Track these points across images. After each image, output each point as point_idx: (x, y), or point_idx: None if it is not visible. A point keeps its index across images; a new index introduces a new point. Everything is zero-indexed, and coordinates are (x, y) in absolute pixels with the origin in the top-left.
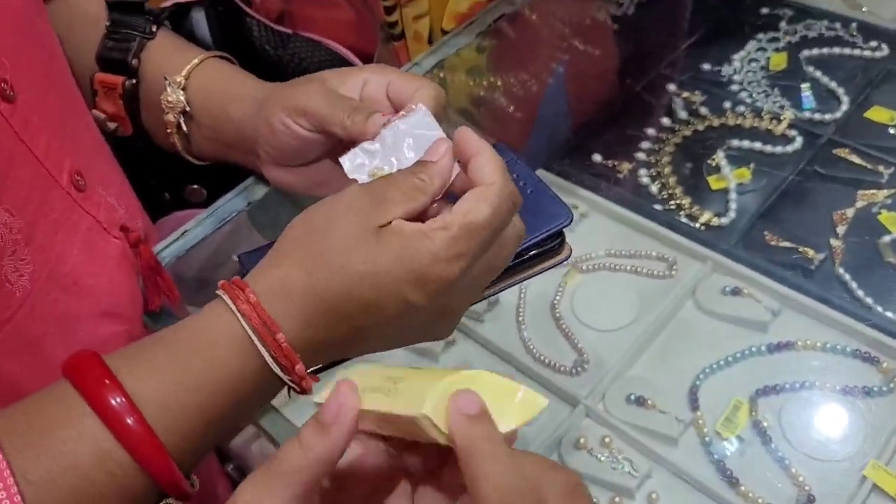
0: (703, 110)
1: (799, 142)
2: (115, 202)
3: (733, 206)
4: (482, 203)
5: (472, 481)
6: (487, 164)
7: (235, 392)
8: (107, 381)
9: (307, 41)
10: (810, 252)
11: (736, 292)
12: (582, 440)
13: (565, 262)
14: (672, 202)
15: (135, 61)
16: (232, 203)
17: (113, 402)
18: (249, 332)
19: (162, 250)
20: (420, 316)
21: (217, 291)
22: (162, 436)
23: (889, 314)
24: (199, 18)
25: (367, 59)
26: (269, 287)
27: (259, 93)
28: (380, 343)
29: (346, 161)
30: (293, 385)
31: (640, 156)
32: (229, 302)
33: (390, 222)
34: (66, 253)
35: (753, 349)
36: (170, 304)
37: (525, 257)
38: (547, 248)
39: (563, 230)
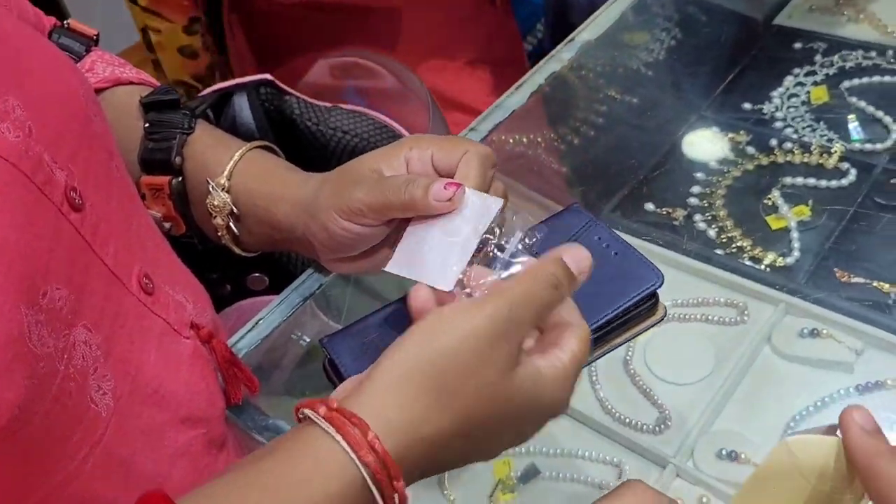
0: (750, 150)
1: (853, 174)
2: (183, 299)
3: (796, 244)
4: (584, 344)
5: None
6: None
7: None
8: None
9: (349, 112)
10: (885, 286)
11: (815, 334)
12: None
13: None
14: (733, 245)
15: (178, 159)
16: (303, 288)
17: None
18: (371, 485)
19: (236, 342)
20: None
21: (323, 426)
22: None
23: None
24: (242, 103)
25: (413, 125)
26: (398, 431)
27: (303, 192)
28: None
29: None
30: None
31: (693, 201)
32: (348, 449)
33: (521, 363)
34: (144, 362)
35: (842, 391)
36: (250, 395)
37: (617, 322)
38: (640, 310)
39: (657, 291)
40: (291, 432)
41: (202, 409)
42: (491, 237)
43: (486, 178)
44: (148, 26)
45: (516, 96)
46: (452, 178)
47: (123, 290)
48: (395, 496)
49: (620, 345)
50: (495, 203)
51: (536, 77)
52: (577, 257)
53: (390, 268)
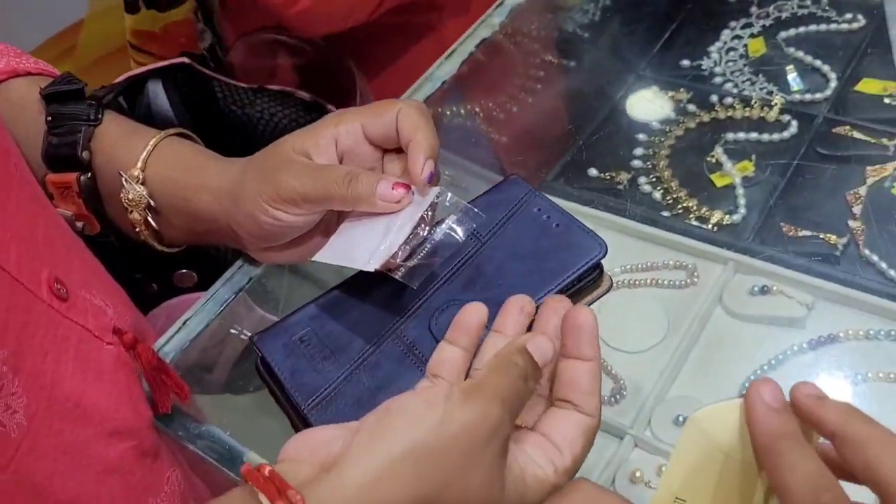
0: (691, 107)
1: (795, 126)
2: (102, 303)
3: (742, 201)
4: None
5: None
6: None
7: None
8: None
9: (275, 93)
10: (832, 237)
11: (765, 291)
12: (637, 473)
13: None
14: (679, 206)
15: (85, 154)
16: (232, 282)
17: None
18: None
19: (163, 346)
20: None
21: None
22: None
23: None
24: (157, 90)
25: (341, 98)
26: None
27: (224, 179)
28: None
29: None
30: None
31: (637, 163)
32: None
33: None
34: (60, 374)
35: (795, 348)
36: (180, 402)
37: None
38: (585, 282)
39: (601, 262)
40: None
41: (129, 420)
42: (424, 220)
43: (434, 135)
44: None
45: (447, 66)
46: (388, 143)
47: (32, 297)
48: None
49: None
50: (432, 191)
51: (467, 44)
52: (541, 349)
53: (319, 257)
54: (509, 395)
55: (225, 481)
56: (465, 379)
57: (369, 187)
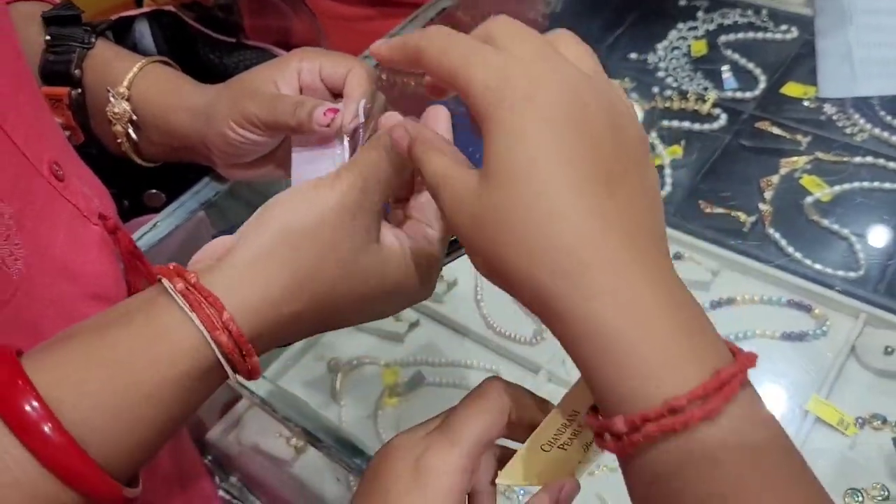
0: (634, 95)
1: (724, 119)
2: (90, 193)
3: (669, 180)
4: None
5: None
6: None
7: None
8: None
9: (253, 49)
10: (742, 216)
11: (678, 257)
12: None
13: None
14: None
15: (77, 72)
16: (198, 196)
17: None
18: (224, 363)
19: (136, 241)
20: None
21: (179, 302)
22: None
23: (817, 266)
24: (143, 30)
25: None
26: (253, 312)
27: (198, 101)
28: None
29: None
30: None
31: None
32: (203, 330)
33: (382, 240)
34: (52, 239)
35: None
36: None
37: None
38: None
39: None
40: (146, 301)
41: (111, 288)
42: (360, 128)
43: (371, 91)
44: None
45: (407, 30)
46: (335, 89)
47: (35, 172)
48: (249, 373)
49: None
50: (362, 104)
51: (428, 12)
52: (410, 129)
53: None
54: (375, 167)
55: None
56: None
57: (308, 114)
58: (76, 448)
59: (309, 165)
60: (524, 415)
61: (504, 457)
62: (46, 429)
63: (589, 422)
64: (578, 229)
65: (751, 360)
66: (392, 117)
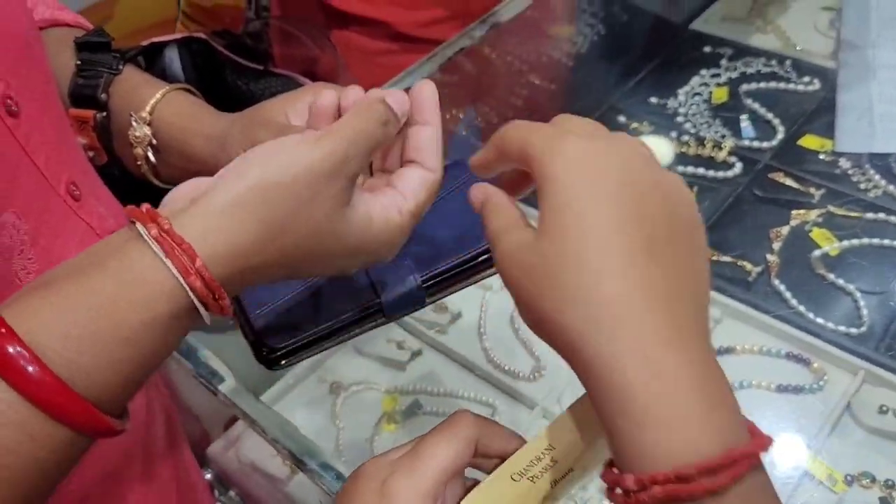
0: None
1: (739, 167)
2: (107, 213)
3: None
4: (430, 195)
5: None
6: (433, 146)
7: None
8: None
9: (279, 77)
10: (748, 266)
11: None
12: None
13: None
14: None
15: (103, 96)
16: None
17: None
18: (199, 306)
19: None
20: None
21: (153, 247)
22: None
23: (819, 320)
24: (173, 56)
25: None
26: (224, 259)
27: (215, 127)
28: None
29: None
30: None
31: None
32: (178, 276)
33: (354, 203)
34: (65, 255)
35: None
36: None
37: (477, 261)
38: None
39: None
40: (119, 246)
41: None
42: None
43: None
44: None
45: (426, 67)
46: None
47: (52, 191)
48: (221, 311)
49: (474, 283)
50: None
51: (447, 50)
52: (398, 101)
53: None
54: (359, 135)
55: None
56: None
57: None
58: (64, 387)
59: None
60: (492, 446)
61: (472, 488)
62: (31, 370)
63: (604, 474)
64: (618, 287)
65: (765, 443)
66: (393, 94)
